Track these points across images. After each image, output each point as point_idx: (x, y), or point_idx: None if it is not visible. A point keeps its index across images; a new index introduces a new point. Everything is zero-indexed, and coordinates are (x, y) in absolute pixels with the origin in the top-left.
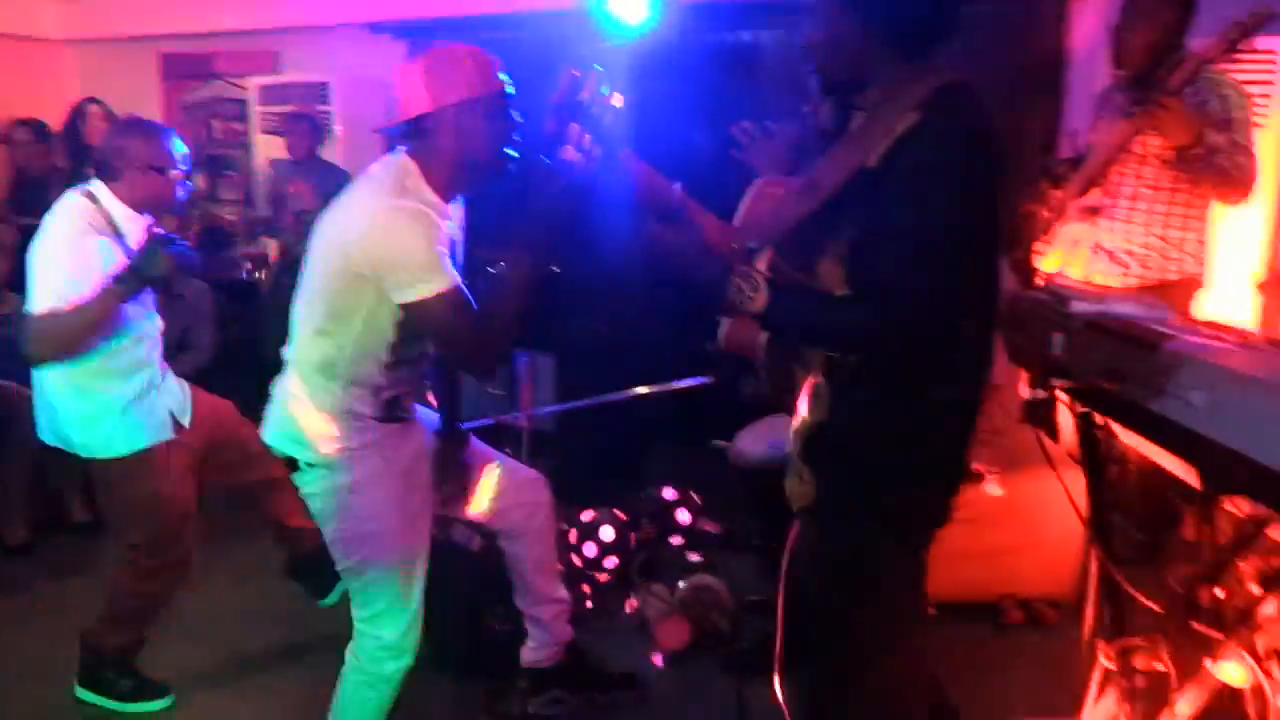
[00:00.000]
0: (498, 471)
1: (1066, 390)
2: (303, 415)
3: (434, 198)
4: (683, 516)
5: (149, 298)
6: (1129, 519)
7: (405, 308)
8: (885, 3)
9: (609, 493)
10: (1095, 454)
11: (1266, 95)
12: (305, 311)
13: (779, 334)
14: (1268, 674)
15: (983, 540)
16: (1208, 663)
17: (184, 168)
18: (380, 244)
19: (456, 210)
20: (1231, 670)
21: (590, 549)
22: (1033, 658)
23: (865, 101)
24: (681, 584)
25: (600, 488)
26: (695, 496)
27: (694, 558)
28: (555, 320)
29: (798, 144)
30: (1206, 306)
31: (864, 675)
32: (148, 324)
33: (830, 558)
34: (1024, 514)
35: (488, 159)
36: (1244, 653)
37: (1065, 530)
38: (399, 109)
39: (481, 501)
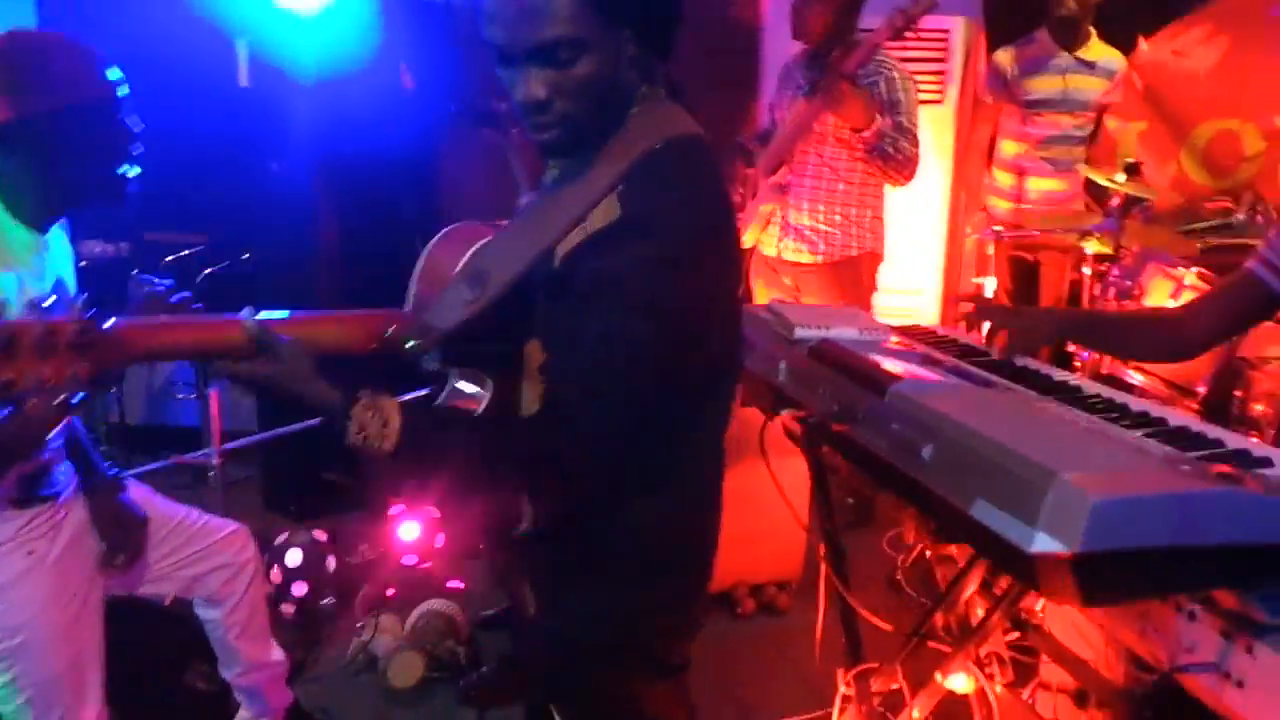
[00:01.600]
0: (182, 530)
1: (797, 421)
2: None
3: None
4: (410, 533)
5: None
6: (842, 488)
7: None
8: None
9: (327, 508)
10: (825, 483)
11: (942, 73)
12: None
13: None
14: (989, 678)
15: None
16: (938, 675)
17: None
18: None
19: (62, 240)
20: (959, 680)
21: (276, 575)
22: (771, 647)
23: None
24: (414, 613)
25: (315, 503)
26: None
27: (423, 572)
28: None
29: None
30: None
31: None
32: None
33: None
34: (749, 499)
35: (92, 178)
36: (970, 663)
37: (789, 513)
38: None
39: (164, 571)
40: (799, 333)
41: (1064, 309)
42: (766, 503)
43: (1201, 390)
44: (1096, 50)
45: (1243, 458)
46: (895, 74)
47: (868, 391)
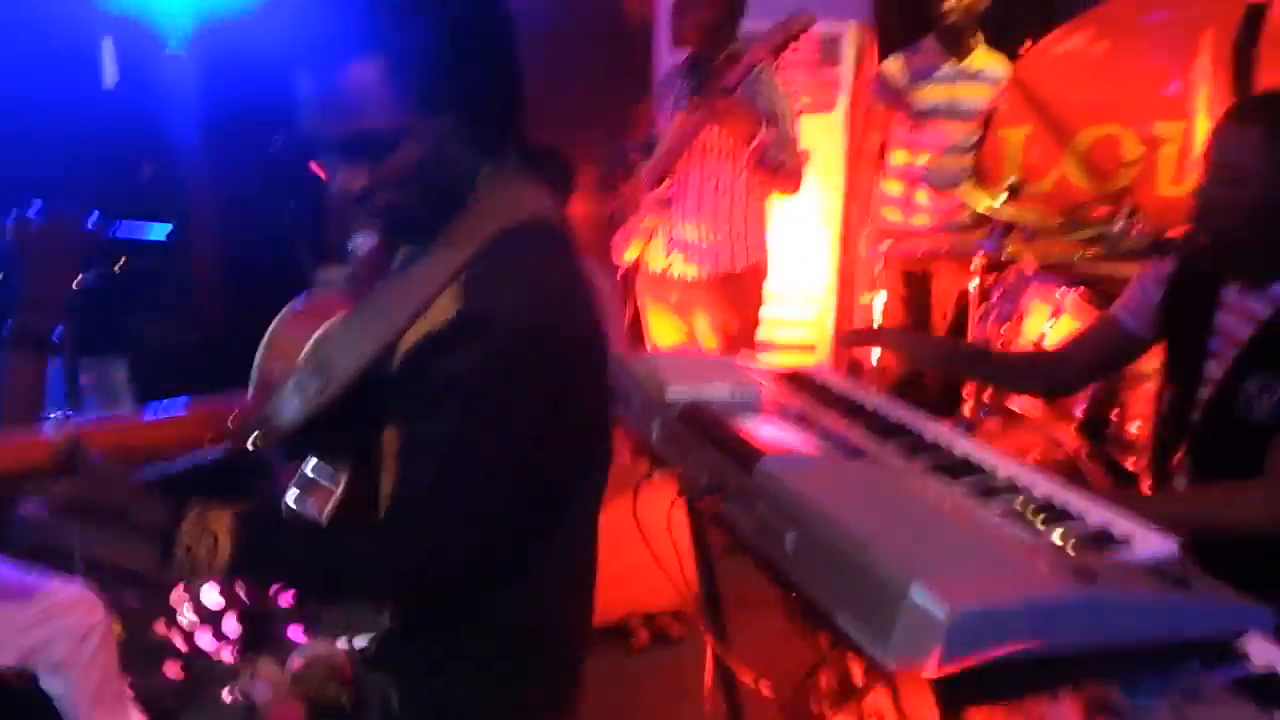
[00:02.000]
0: (15, 592)
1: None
2: None
3: None
4: None
5: None
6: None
7: None
8: (472, 82)
9: None
10: (705, 543)
11: (832, 80)
12: None
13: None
14: None
15: (606, 562)
16: None
17: None
18: None
19: None
20: None
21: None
22: (667, 678)
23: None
24: (293, 656)
25: None
26: None
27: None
28: (124, 316)
29: None
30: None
31: None
32: None
33: None
34: (640, 529)
35: None
36: None
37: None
38: None
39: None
40: (670, 394)
41: (950, 341)
42: (653, 530)
43: (1079, 413)
44: (982, 58)
45: (1103, 539)
46: (774, 86)
47: (735, 466)
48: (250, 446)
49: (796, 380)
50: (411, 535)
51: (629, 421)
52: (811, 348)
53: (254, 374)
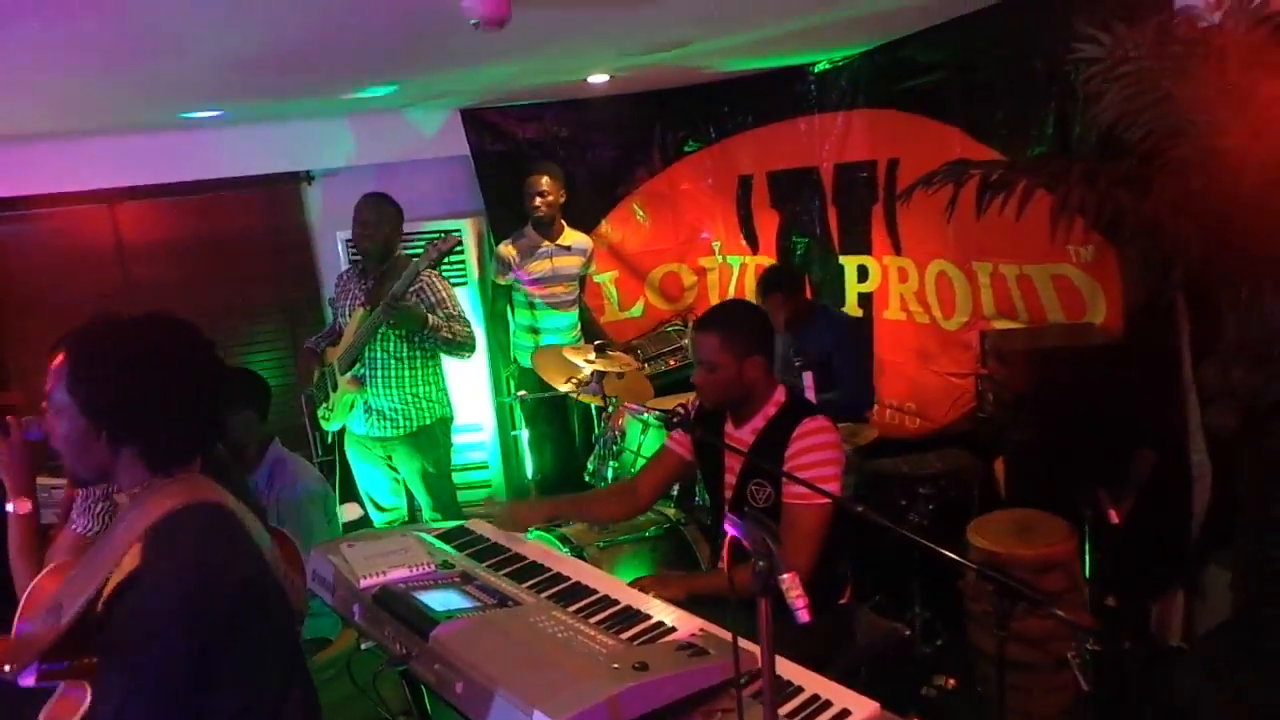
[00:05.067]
0: None
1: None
2: None
3: None
4: None
5: None
6: None
7: None
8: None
9: None
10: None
11: (463, 261)
12: None
13: None
14: None
15: None
16: None
17: None
18: None
19: None
20: None
21: None
22: None
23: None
24: None
25: None
26: None
27: None
28: None
29: None
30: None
31: None
32: None
33: None
34: None
35: None
36: None
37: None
38: None
39: None
40: (363, 583)
41: (551, 500)
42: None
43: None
44: (570, 236)
45: (655, 629)
46: (430, 279)
47: (416, 635)
48: (3, 674)
49: (462, 537)
50: None
51: (335, 605)
52: (486, 468)
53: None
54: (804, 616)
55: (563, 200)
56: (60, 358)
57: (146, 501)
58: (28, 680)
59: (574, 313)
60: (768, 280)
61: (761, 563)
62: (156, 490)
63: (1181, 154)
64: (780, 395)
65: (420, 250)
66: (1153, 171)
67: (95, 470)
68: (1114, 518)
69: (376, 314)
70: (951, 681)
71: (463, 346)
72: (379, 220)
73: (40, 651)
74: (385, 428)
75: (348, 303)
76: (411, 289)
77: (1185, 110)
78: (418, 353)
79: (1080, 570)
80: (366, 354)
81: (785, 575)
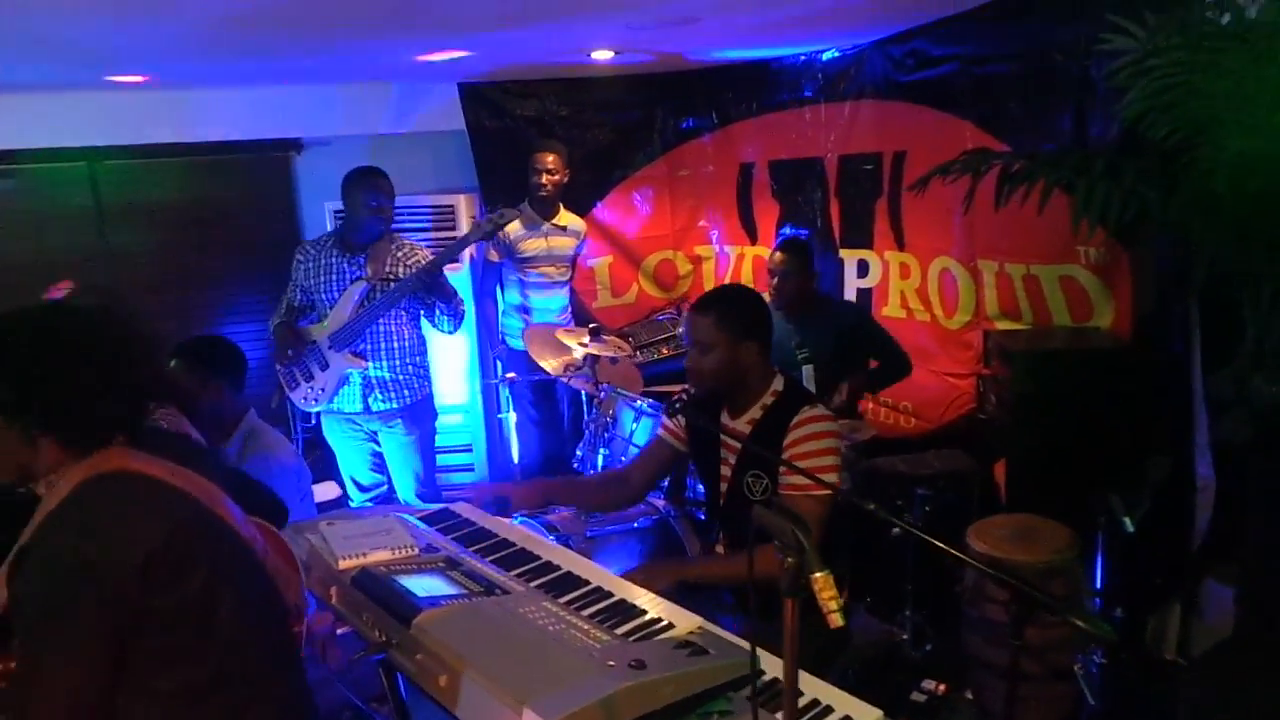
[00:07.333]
0: None
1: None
2: None
3: None
4: None
5: None
6: None
7: None
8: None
9: None
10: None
11: (453, 238)
12: None
13: None
14: None
15: None
16: None
17: None
18: None
19: None
20: None
21: None
22: None
23: None
24: None
25: None
26: None
27: None
28: None
29: None
30: None
31: None
32: None
33: None
34: None
35: None
36: None
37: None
38: None
39: None
40: (341, 564)
41: (549, 482)
42: None
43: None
44: (565, 218)
45: (650, 626)
46: (423, 251)
47: (398, 623)
48: None
49: (446, 520)
50: None
51: (312, 585)
52: (469, 448)
53: None
54: (835, 620)
55: (566, 180)
56: None
57: (58, 484)
58: None
59: (565, 295)
60: (795, 242)
61: (790, 559)
62: (68, 470)
63: (1208, 154)
64: (778, 384)
65: (409, 227)
66: (1177, 170)
67: (17, 471)
68: (1129, 526)
69: (403, 285)
70: (942, 687)
71: (462, 318)
72: (393, 198)
73: None
74: (388, 400)
75: (331, 278)
76: (412, 261)
77: (1215, 108)
78: (413, 326)
79: (1083, 579)
80: (368, 329)
81: (818, 575)
